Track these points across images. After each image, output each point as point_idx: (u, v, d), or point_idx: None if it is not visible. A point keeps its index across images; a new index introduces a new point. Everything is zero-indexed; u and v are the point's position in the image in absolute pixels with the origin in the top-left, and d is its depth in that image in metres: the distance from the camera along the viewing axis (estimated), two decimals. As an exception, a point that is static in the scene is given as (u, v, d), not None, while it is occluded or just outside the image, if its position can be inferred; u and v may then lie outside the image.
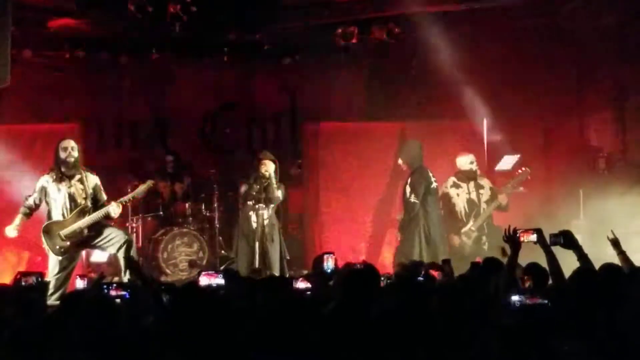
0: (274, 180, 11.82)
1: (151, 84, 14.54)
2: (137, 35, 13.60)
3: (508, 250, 7.36)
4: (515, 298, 5.32)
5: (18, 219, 10.94)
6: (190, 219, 13.80)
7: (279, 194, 11.86)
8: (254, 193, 11.80)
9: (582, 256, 7.31)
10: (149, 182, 11.50)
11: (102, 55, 13.85)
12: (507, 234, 7.38)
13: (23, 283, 7.11)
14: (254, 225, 11.84)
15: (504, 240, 7.45)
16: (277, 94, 15.15)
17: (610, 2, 12.49)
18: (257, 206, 11.82)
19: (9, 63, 9.18)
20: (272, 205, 11.91)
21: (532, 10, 13.05)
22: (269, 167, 11.80)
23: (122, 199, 11.07)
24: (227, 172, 14.46)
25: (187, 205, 13.89)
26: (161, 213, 13.86)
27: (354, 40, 14.08)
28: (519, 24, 13.29)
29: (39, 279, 7.26)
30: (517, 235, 7.38)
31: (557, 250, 7.47)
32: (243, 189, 12.00)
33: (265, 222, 11.85)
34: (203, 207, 14.03)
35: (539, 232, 7.42)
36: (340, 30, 14.04)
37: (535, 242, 7.38)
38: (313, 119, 14.68)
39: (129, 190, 11.81)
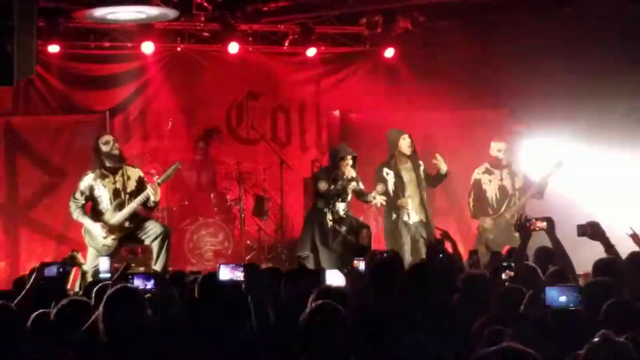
0: (358, 183, 11.63)
1: (176, 74, 14.54)
2: (163, 25, 13.60)
3: None
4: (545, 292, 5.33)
5: (85, 220, 10.97)
6: (216, 209, 13.84)
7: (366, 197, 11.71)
8: (334, 194, 11.48)
9: (609, 247, 7.27)
10: (177, 164, 11.55)
11: (127, 45, 13.87)
12: (517, 222, 7.38)
13: (46, 274, 7.14)
14: (330, 223, 11.59)
15: (516, 229, 7.46)
16: (301, 84, 15.11)
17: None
18: (331, 202, 11.57)
19: (35, 54, 9.19)
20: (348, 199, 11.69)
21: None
22: (350, 168, 11.57)
23: (156, 183, 11.10)
24: (252, 162, 14.48)
25: (212, 195, 13.92)
26: (186, 203, 13.90)
27: (378, 30, 14.06)
28: (548, 11, 13.21)
29: (60, 269, 7.29)
30: (529, 224, 7.39)
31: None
32: (322, 187, 11.48)
33: (342, 215, 11.60)
34: (228, 197, 14.07)
35: (549, 220, 7.43)
36: (364, 20, 14.01)
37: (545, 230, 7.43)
38: (338, 109, 14.66)
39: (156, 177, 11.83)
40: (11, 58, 8.42)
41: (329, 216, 11.58)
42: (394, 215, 11.85)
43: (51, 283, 7.12)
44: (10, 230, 13.26)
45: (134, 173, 11.16)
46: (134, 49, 13.82)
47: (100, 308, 5.53)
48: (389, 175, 11.85)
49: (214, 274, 6.51)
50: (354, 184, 11.61)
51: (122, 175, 11.02)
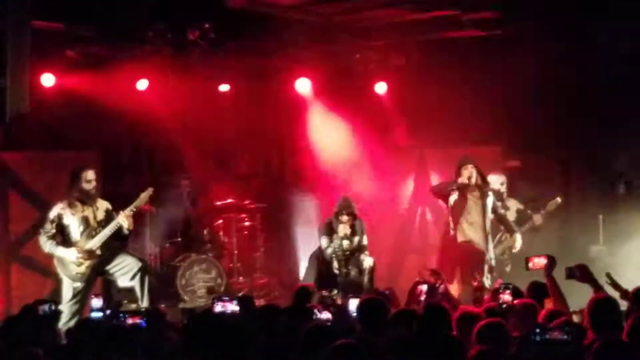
0: (353, 239, 11.58)
1: (169, 110, 14.53)
2: (156, 60, 13.64)
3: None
4: (537, 332, 5.32)
5: (57, 250, 10.92)
6: (209, 245, 13.79)
7: (366, 262, 11.60)
8: (332, 253, 11.49)
9: (598, 289, 7.28)
10: (149, 190, 11.45)
11: (120, 81, 13.88)
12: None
13: (40, 312, 7.11)
14: (336, 272, 11.55)
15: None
16: (294, 119, 15.11)
17: (630, 27, 12.41)
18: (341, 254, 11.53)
19: (28, 90, 9.22)
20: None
21: (550, 35, 13.02)
22: (345, 225, 11.53)
23: (127, 210, 11.00)
24: (245, 198, 14.45)
25: (204, 231, 13.87)
26: (179, 239, 13.84)
27: (372, 66, 14.09)
28: (536, 48, 13.26)
29: (52, 307, 7.25)
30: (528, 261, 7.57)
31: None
32: (323, 243, 11.58)
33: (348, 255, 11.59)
34: (221, 234, 14.01)
35: (549, 258, 7.51)
36: (358, 55, 14.05)
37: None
38: (331, 147, 14.66)
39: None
40: (4, 94, 8.45)
41: (335, 264, 11.52)
42: (451, 232, 11.57)
43: (43, 321, 7.08)
44: (2, 267, 13.18)
45: (102, 205, 11.11)
46: (128, 84, 13.82)
47: (93, 347, 5.49)
48: (455, 192, 11.61)
49: (207, 312, 6.49)
50: (346, 242, 11.50)
51: (92, 205, 10.99)
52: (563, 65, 13.28)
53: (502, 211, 11.77)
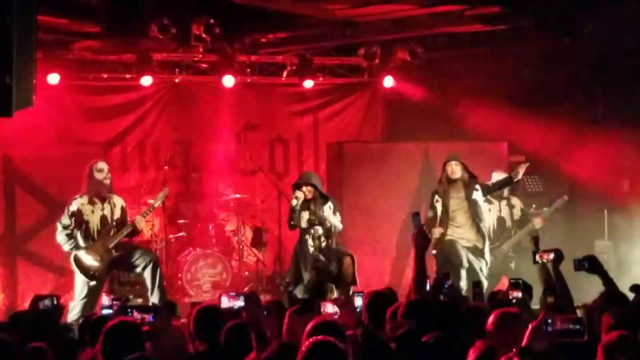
0: (300, 210, 11.56)
1: (174, 105, 14.57)
2: (161, 56, 13.66)
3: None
4: (548, 322, 5.31)
5: (67, 245, 10.92)
6: (214, 240, 13.81)
7: (324, 214, 11.57)
8: (294, 218, 11.56)
9: (607, 281, 7.24)
10: (166, 190, 11.47)
11: (125, 77, 13.90)
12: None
13: (40, 307, 7.09)
14: (311, 249, 11.59)
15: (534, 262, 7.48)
16: (300, 115, 15.13)
17: (631, 23, 12.38)
18: (311, 229, 11.57)
19: (34, 85, 9.19)
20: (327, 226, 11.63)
21: (552, 31, 13.01)
22: (298, 194, 11.55)
23: (144, 212, 11.09)
24: (250, 193, 14.45)
25: (210, 226, 13.89)
26: (184, 234, 13.87)
27: (376, 61, 14.09)
28: (540, 45, 13.25)
29: (54, 302, 7.24)
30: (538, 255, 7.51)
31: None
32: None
33: (323, 244, 11.61)
34: (226, 229, 14.04)
35: (556, 252, 7.46)
36: (362, 51, 14.04)
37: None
38: (336, 140, 14.65)
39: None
40: (10, 89, 8.43)
41: (310, 242, 11.56)
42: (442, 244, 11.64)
43: (46, 316, 7.07)
44: (8, 261, 13.21)
45: (119, 201, 11.19)
46: (132, 80, 13.85)
47: (99, 342, 5.50)
48: (438, 203, 11.68)
49: (213, 307, 6.49)
50: (294, 201, 11.54)
51: (110, 202, 11.02)
52: (567, 60, 13.28)
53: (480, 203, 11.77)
